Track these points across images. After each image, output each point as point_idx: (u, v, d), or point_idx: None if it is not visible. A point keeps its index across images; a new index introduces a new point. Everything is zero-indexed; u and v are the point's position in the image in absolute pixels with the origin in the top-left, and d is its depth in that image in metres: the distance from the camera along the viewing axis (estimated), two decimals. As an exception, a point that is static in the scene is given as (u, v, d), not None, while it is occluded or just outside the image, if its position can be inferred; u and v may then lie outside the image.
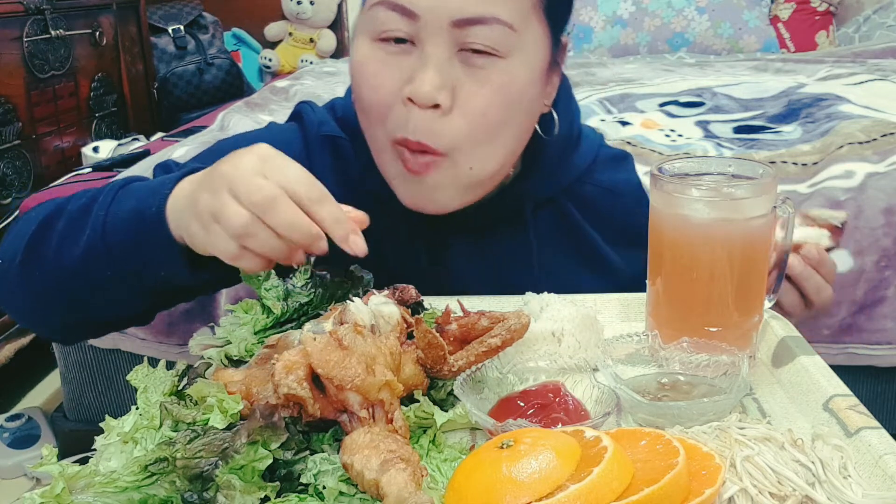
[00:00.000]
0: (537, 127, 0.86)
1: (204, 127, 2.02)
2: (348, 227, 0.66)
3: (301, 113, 0.95)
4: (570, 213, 0.94)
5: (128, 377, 0.63)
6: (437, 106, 0.75)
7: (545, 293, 0.80)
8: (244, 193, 0.64)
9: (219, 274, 0.74)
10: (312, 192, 0.65)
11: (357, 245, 0.67)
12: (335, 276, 0.78)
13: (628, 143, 1.66)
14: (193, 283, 0.74)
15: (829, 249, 0.88)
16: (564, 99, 0.91)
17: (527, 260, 0.93)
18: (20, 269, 0.78)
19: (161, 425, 0.57)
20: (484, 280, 0.91)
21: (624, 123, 1.82)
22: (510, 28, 0.75)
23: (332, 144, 0.91)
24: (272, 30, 3.57)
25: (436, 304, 0.80)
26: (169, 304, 0.85)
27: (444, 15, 0.73)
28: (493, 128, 0.77)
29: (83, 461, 0.54)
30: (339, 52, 3.54)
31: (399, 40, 0.76)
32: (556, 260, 0.94)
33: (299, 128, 0.94)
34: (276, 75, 3.38)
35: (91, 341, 1.68)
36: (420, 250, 0.91)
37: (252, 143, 0.69)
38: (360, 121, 0.83)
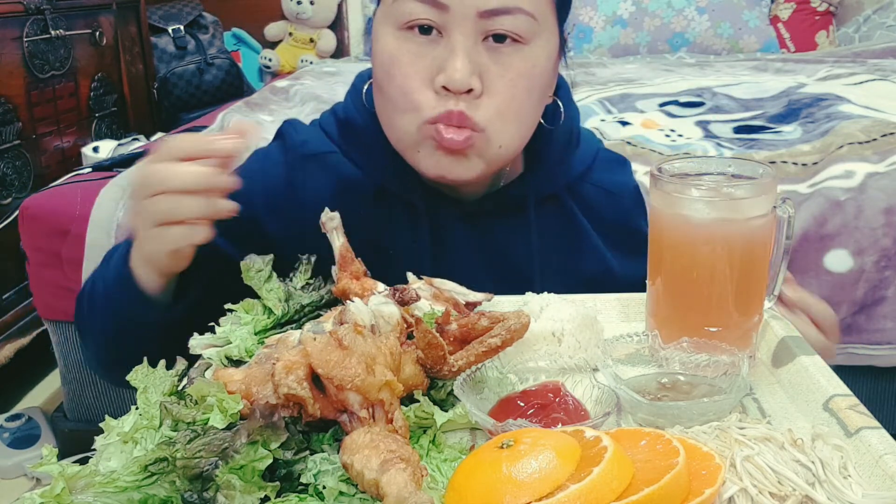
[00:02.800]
0: (541, 120, 0.90)
1: (204, 127, 2.02)
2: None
3: (283, 133, 0.96)
4: (571, 210, 0.96)
5: (128, 377, 0.63)
6: (470, 91, 0.78)
7: (545, 293, 0.80)
8: (143, 195, 0.73)
9: (197, 298, 0.82)
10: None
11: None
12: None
13: (628, 143, 1.66)
14: (169, 316, 0.82)
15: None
16: (565, 97, 0.95)
17: (527, 253, 0.94)
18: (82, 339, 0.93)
19: (161, 425, 0.57)
20: (483, 272, 0.93)
21: (624, 123, 1.82)
22: (532, 17, 0.79)
23: (317, 161, 0.92)
24: (272, 30, 3.56)
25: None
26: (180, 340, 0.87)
27: (472, 6, 0.77)
28: (519, 109, 0.82)
29: (83, 461, 0.54)
30: (339, 52, 3.53)
31: (424, 29, 0.79)
32: (555, 256, 0.95)
33: (282, 148, 0.95)
34: (276, 75, 3.37)
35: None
36: (423, 239, 0.91)
37: (244, 175, 0.77)
38: (384, 109, 0.85)
